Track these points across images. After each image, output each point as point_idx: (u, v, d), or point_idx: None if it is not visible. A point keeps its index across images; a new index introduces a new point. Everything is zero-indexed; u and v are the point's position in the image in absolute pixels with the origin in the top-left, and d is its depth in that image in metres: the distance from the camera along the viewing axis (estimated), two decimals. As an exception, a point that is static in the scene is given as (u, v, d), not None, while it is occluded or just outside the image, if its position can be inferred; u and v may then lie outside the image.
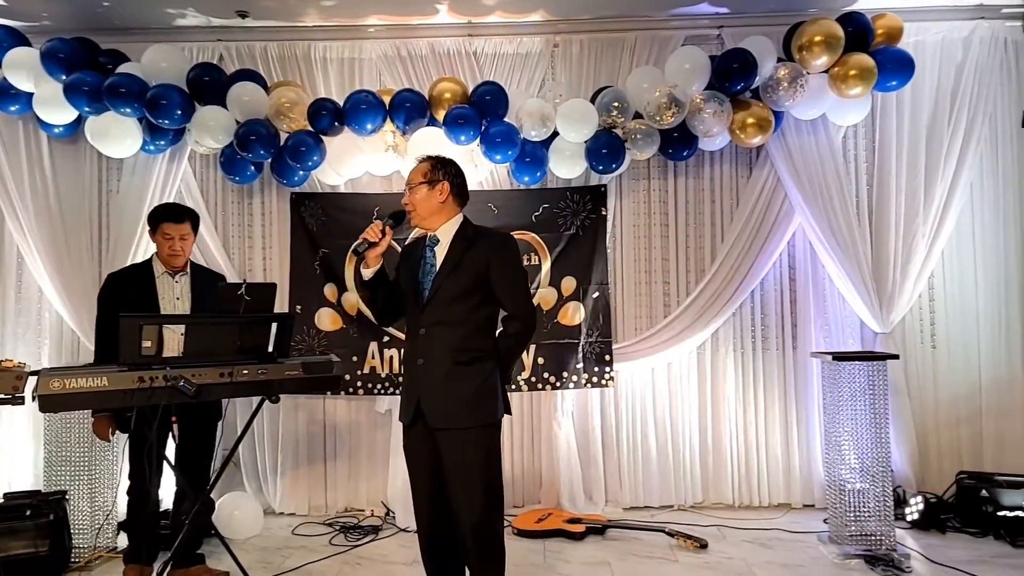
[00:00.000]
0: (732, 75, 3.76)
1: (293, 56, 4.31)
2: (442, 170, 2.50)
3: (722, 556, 3.42)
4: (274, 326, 2.72)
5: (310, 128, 3.87)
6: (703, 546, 3.50)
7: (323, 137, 3.90)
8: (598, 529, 3.74)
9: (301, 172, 4.01)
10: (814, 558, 3.40)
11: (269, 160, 3.98)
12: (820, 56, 3.71)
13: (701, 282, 4.20)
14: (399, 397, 2.70)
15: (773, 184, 4.19)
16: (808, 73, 3.80)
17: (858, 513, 3.40)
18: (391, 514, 4.09)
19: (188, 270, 3.09)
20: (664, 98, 3.74)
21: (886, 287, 4.10)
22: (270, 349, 2.73)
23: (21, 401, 2.27)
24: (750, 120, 3.83)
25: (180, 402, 2.50)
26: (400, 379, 4.12)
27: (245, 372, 2.63)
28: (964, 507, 3.78)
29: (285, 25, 4.23)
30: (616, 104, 3.83)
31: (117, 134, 3.83)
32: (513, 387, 4.13)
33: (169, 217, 2.99)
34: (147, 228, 3.10)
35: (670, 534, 3.63)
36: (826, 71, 3.82)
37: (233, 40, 4.26)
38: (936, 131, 4.14)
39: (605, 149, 3.83)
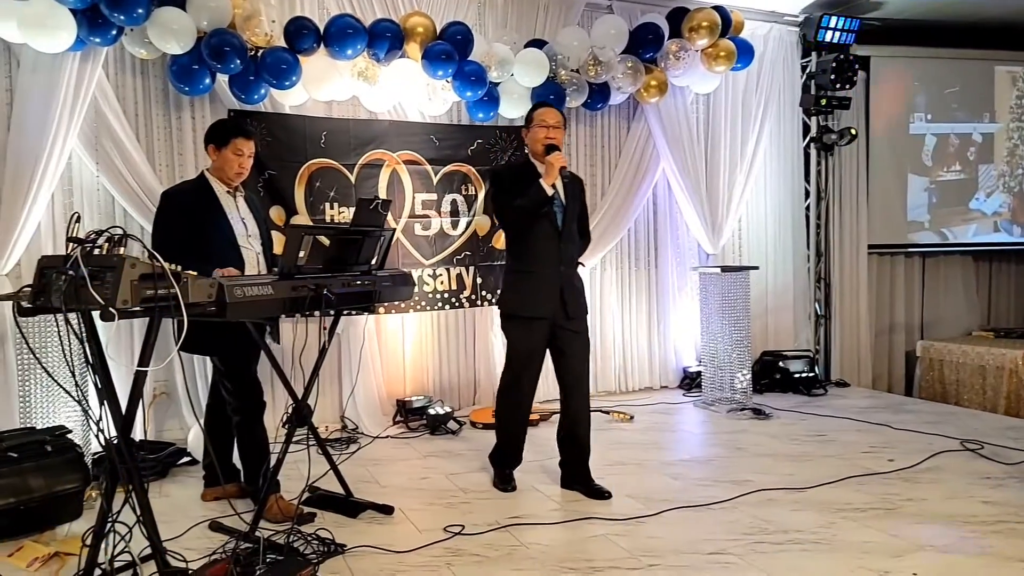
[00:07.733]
0: (645, 43, 4.67)
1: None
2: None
3: (648, 423, 4.47)
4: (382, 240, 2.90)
5: (283, 45, 3.78)
6: (631, 418, 4.52)
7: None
8: (545, 416, 4.50)
9: (265, 90, 3.87)
10: (709, 415, 4.66)
11: (228, 75, 3.77)
12: (704, 37, 4.79)
13: (596, 216, 5.12)
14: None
15: (646, 136, 5.26)
16: (691, 50, 4.88)
17: (730, 382, 4.74)
18: (350, 427, 4.32)
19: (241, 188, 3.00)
20: (593, 57, 4.49)
21: (717, 218, 5.49)
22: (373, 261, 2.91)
23: (220, 313, 2.18)
24: (653, 83, 4.80)
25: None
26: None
27: (358, 283, 2.81)
28: (769, 374, 5.41)
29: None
30: (558, 57, 4.47)
31: (54, 24, 3.28)
32: (457, 304, 4.63)
33: (242, 133, 2.86)
34: (208, 144, 2.89)
35: (605, 412, 4.58)
36: (700, 51, 4.94)
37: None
38: (747, 104, 5.59)
39: (552, 95, 4.45)
